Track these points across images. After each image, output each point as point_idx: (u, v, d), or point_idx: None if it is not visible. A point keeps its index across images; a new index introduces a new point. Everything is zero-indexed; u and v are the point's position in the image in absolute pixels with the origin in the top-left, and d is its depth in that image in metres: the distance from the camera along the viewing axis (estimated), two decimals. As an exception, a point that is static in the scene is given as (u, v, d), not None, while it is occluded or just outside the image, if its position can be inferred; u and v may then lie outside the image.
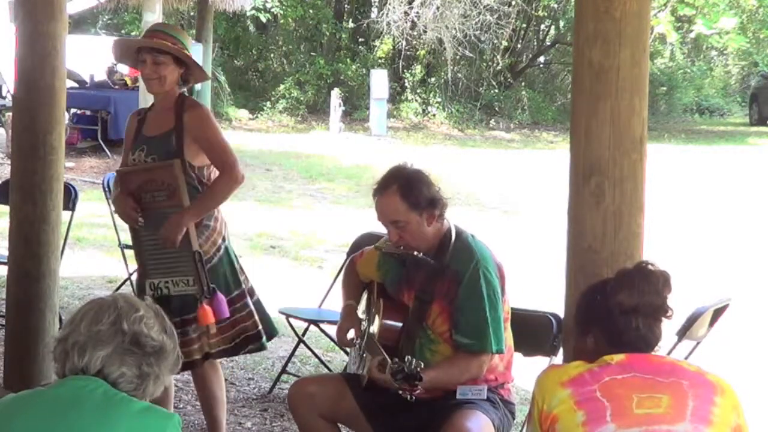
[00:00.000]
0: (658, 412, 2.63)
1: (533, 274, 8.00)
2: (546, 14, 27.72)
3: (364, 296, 4.20)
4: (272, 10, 22.53)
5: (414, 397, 3.49)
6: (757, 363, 6.66)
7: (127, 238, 4.97)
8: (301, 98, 23.45)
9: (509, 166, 17.18)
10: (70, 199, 5.85)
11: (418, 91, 24.41)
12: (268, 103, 23.11)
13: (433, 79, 24.71)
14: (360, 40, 26.06)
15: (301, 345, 5.82)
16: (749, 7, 22.93)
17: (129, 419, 2.41)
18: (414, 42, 23.43)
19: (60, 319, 5.06)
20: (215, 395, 4.60)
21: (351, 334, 4.01)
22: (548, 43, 28.96)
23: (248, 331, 4.52)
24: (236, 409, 5.41)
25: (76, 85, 14.81)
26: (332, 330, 5.02)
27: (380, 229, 4.05)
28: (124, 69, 14.43)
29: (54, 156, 4.98)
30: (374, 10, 26.22)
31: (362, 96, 23.06)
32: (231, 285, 4.52)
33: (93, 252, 8.91)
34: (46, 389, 2.51)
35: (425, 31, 22.44)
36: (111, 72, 15.04)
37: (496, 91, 25.46)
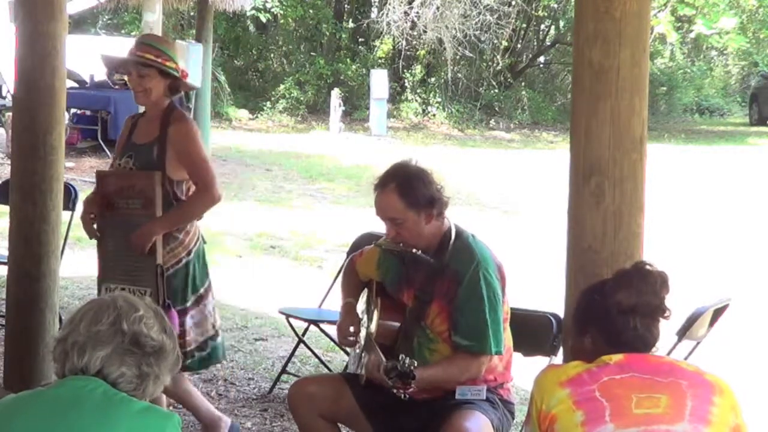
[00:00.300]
0: (657, 412, 2.63)
1: (533, 274, 8.00)
2: (546, 14, 27.72)
3: (364, 295, 4.20)
4: (272, 10, 22.53)
5: (407, 396, 3.49)
6: (757, 363, 6.66)
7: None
8: (301, 98, 23.46)
9: (509, 166, 17.18)
10: (70, 199, 5.85)
11: (418, 91, 24.42)
12: (268, 103, 23.11)
13: (433, 79, 24.71)
14: (360, 40, 26.06)
15: (301, 345, 5.82)
16: (749, 7, 22.93)
17: (129, 419, 2.41)
18: (414, 42, 23.42)
19: (60, 319, 5.06)
20: (191, 402, 4.61)
21: (351, 332, 4.00)
22: (548, 43, 28.96)
23: (184, 348, 4.47)
24: (236, 409, 5.41)
25: (76, 85, 14.81)
26: (332, 330, 5.03)
27: (380, 229, 4.06)
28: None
29: (54, 156, 4.98)
30: (374, 10, 26.22)
31: (362, 96, 23.06)
32: (179, 299, 4.50)
33: (93, 252, 8.84)
34: (46, 389, 2.51)
35: (425, 31, 22.44)
36: (111, 72, 15.03)
37: (496, 91, 25.46)
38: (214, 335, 4.60)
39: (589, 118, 3.33)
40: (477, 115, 24.22)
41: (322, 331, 5.73)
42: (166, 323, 2.56)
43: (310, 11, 24.85)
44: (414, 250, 3.80)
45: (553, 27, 29.02)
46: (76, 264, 8.07)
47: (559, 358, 3.92)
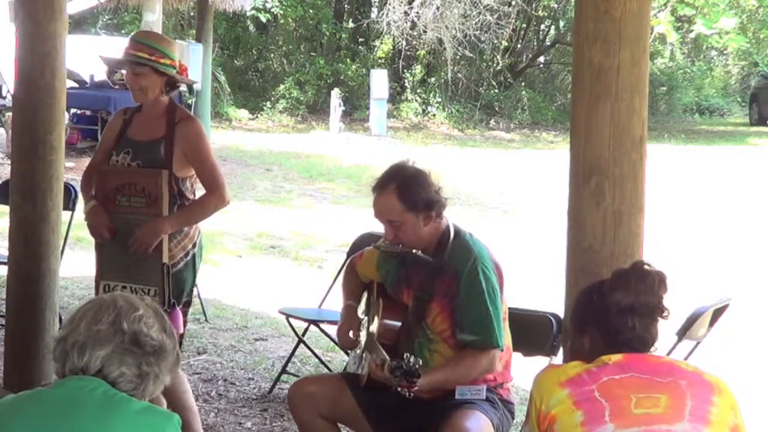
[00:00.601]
0: (657, 412, 2.63)
1: (533, 274, 8.00)
2: (546, 14, 27.72)
3: (364, 296, 4.20)
4: (272, 10, 22.52)
5: (412, 395, 3.49)
6: (757, 363, 6.66)
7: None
8: (301, 98, 23.46)
9: (509, 166, 17.18)
10: (70, 199, 5.84)
11: (418, 91, 24.41)
12: (268, 103, 23.11)
13: (433, 79, 24.71)
14: (360, 40, 26.06)
15: (301, 345, 5.82)
16: (749, 7, 22.92)
17: (129, 419, 2.41)
18: (414, 42, 23.43)
19: (60, 319, 5.07)
20: (181, 402, 4.54)
21: (351, 334, 4.00)
22: (548, 43, 28.96)
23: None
24: (236, 409, 5.41)
25: (76, 85, 14.81)
26: (332, 330, 5.03)
27: (380, 229, 4.06)
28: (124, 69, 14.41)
29: (54, 156, 4.98)
30: (374, 10, 26.23)
31: (362, 96, 23.06)
32: (189, 292, 4.53)
33: (93, 252, 8.90)
34: (46, 389, 2.51)
35: (425, 31, 22.44)
36: (111, 72, 15.02)
37: (496, 91, 25.46)
38: None
39: (589, 118, 3.33)
40: (477, 115, 24.21)
41: (322, 331, 5.73)
42: (165, 323, 2.56)
43: (310, 11, 24.85)
44: (414, 251, 3.81)
45: (553, 27, 29.02)
46: (76, 264, 8.06)
47: (558, 358, 3.92)
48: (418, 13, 22.24)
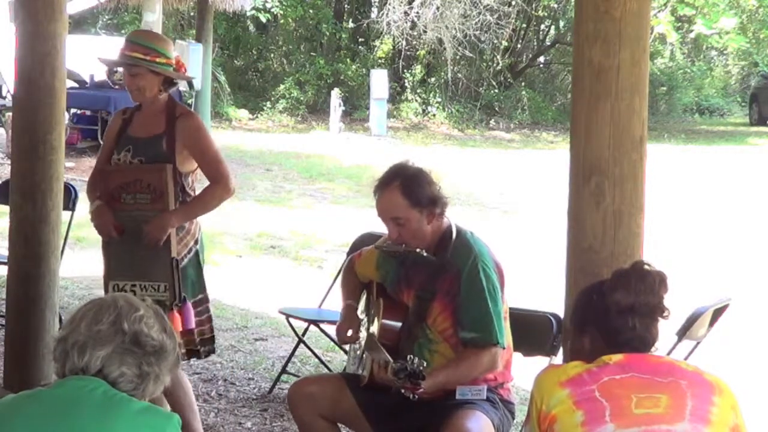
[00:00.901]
0: (657, 412, 2.63)
1: (533, 274, 8.00)
2: (546, 14, 27.72)
3: (364, 296, 4.20)
4: (272, 10, 22.52)
5: (416, 397, 3.49)
6: (757, 363, 6.66)
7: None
8: (301, 98, 23.45)
9: (509, 166, 17.18)
10: (70, 199, 5.85)
11: (418, 91, 24.41)
12: (268, 103, 23.11)
13: (433, 79, 24.71)
14: (360, 40, 26.06)
15: (301, 345, 5.82)
16: (749, 7, 22.92)
17: (129, 419, 2.41)
18: (414, 42, 23.42)
19: (60, 319, 5.07)
20: (181, 401, 4.53)
21: (350, 334, 4.00)
22: (548, 43, 28.95)
23: (204, 335, 4.52)
24: (236, 409, 5.41)
25: (76, 85, 14.81)
26: (332, 330, 5.02)
27: (380, 229, 4.06)
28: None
29: (54, 156, 4.99)
30: (374, 10, 26.22)
31: (362, 96, 23.05)
32: (196, 289, 4.52)
33: (93, 252, 8.88)
34: (46, 389, 2.51)
35: (425, 31, 22.43)
36: (111, 72, 15.03)
37: (496, 91, 25.46)
38: None
39: (589, 118, 3.33)
40: (477, 115, 24.21)
41: (322, 331, 5.73)
42: (166, 323, 2.57)
43: (310, 11, 24.84)
44: (418, 250, 3.80)
45: (553, 27, 29.01)
46: (76, 264, 8.07)
47: (559, 358, 3.92)
48: (418, 13, 22.23)
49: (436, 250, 3.82)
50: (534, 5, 25.31)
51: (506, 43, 24.79)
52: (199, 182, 4.62)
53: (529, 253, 9.36)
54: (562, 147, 17.13)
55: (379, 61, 25.06)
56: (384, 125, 20.37)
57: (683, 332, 4.38)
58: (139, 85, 4.43)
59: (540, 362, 3.97)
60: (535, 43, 28.91)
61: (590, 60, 3.32)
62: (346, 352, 4.86)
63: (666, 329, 2.94)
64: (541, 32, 29.05)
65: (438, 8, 22.03)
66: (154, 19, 15.29)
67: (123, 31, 22.57)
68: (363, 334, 4.04)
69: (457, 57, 23.65)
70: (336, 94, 20.50)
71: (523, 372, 4.04)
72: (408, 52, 24.49)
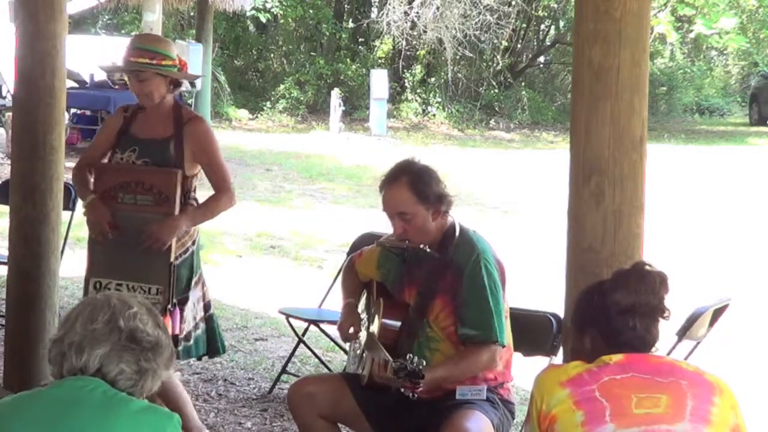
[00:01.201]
0: (658, 412, 2.63)
1: (533, 274, 8.01)
2: (546, 14, 27.72)
3: (364, 296, 4.20)
4: (272, 10, 22.52)
5: (416, 395, 3.49)
6: (757, 363, 6.66)
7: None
8: (301, 98, 23.46)
9: (509, 166, 17.18)
10: (70, 199, 5.84)
11: (418, 91, 24.41)
12: (268, 103, 23.11)
13: (433, 79, 24.71)
14: (360, 40, 26.06)
15: (301, 345, 5.82)
16: (749, 7, 22.92)
17: (129, 419, 2.42)
18: (414, 42, 23.42)
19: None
20: (175, 397, 4.47)
21: (352, 331, 4.00)
22: (548, 43, 28.96)
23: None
24: (236, 409, 5.41)
25: (76, 85, 14.81)
26: (332, 330, 5.02)
27: (380, 229, 4.06)
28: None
29: (54, 156, 4.99)
30: (374, 10, 26.23)
31: (362, 96, 23.05)
32: (182, 287, 4.50)
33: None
34: (45, 390, 2.50)
35: (425, 31, 22.43)
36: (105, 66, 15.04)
37: (496, 91, 25.46)
38: (195, 326, 4.61)
39: (589, 118, 3.34)
40: (477, 115, 24.21)
41: (322, 331, 5.73)
42: (158, 319, 2.57)
43: (310, 11, 24.84)
44: (421, 246, 3.80)
45: (553, 27, 29.01)
46: (76, 264, 8.04)
47: (559, 358, 3.92)
48: (418, 13, 22.24)
49: (439, 248, 3.82)
50: (534, 5, 25.31)
51: (506, 43, 24.79)
52: (199, 181, 4.62)
53: (529, 253, 9.36)
54: (562, 147, 17.13)
55: (379, 61, 25.06)
56: (384, 125, 20.38)
57: (683, 332, 4.38)
58: (148, 90, 4.41)
59: (540, 362, 3.97)
60: (535, 43, 28.91)
61: (590, 60, 3.32)
62: (346, 352, 4.87)
63: (666, 329, 2.94)
64: (541, 32, 29.06)
65: (438, 8, 22.03)
66: (154, 19, 15.28)
67: (123, 31, 22.58)
68: (363, 334, 4.04)
69: (457, 57, 23.65)
70: (336, 94, 20.50)
71: (523, 372, 4.04)
72: (408, 52, 24.49)
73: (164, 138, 4.43)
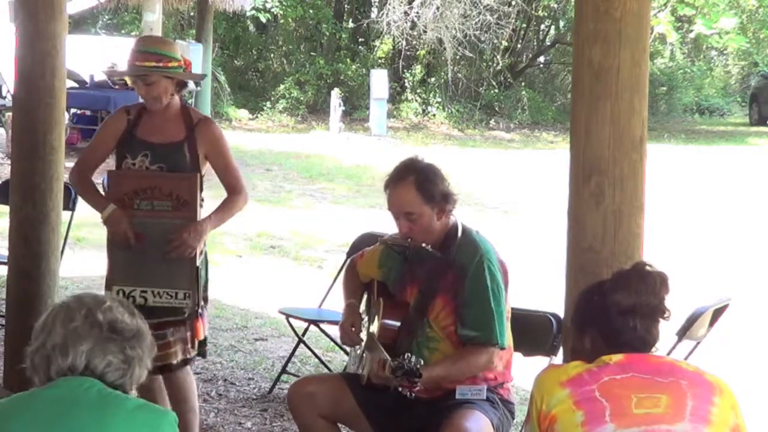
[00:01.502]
0: (658, 412, 2.63)
1: (533, 274, 8.01)
2: (546, 14, 27.72)
3: (365, 297, 4.20)
4: (272, 10, 22.52)
5: (413, 395, 3.50)
6: (757, 363, 6.66)
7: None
8: (301, 98, 23.46)
9: (509, 166, 17.18)
10: (70, 199, 5.84)
11: (418, 91, 24.42)
12: (268, 103, 23.11)
13: (433, 79, 24.71)
14: (360, 40, 26.07)
15: (301, 345, 5.82)
16: (749, 7, 22.92)
17: (126, 416, 2.42)
18: (414, 42, 23.42)
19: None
20: (190, 401, 4.53)
21: (353, 331, 4.00)
22: (548, 43, 28.96)
23: (199, 337, 4.50)
24: (236, 409, 5.41)
25: (76, 85, 14.81)
26: (332, 330, 5.03)
27: (380, 229, 4.05)
28: (124, 69, 14.42)
29: (54, 156, 4.99)
30: (374, 10, 26.22)
31: (362, 96, 23.05)
32: (204, 288, 4.50)
33: (93, 252, 8.90)
34: (42, 390, 2.50)
35: (425, 31, 22.43)
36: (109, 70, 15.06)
37: (496, 91, 25.46)
38: None
39: (589, 118, 3.34)
40: (477, 115, 24.21)
41: (322, 331, 5.73)
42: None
43: (310, 11, 24.84)
44: (423, 245, 3.80)
45: (553, 27, 29.02)
46: (76, 264, 8.07)
47: (559, 358, 3.92)
48: (418, 13, 22.24)
49: (441, 247, 3.82)
50: (534, 5, 25.31)
51: (506, 43, 24.79)
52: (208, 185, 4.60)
53: (529, 253, 9.36)
54: (562, 147, 17.12)
55: (379, 61, 25.06)
56: (384, 125, 20.38)
57: (683, 332, 4.38)
58: (156, 94, 4.35)
59: (540, 362, 3.97)
60: (535, 43, 28.91)
61: (590, 60, 3.32)
62: (346, 352, 4.86)
63: (666, 329, 2.94)
64: (541, 32, 29.06)
65: (438, 8, 22.03)
66: (154, 19, 15.30)
67: (123, 31, 22.60)
68: (364, 334, 4.04)
69: (457, 57, 23.65)
70: (336, 94, 20.50)
71: (523, 372, 4.04)
72: (408, 52, 24.49)
73: (177, 141, 4.37)
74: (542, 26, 28.95)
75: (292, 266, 9.34)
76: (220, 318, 7.10)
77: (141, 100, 4.51)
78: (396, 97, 23.86)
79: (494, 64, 25.41)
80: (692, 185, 15.15)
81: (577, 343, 2.92)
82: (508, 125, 24.13)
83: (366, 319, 4.11)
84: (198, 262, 4.36)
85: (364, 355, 3.90)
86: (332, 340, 5.71)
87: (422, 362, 3.49)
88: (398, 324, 3.91)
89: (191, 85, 5.37)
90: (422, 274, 3.87)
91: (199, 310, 4.37)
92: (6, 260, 5.22)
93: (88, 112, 14.98)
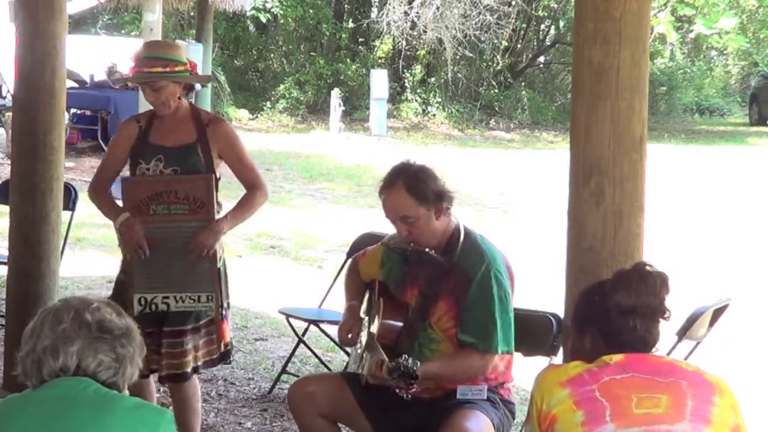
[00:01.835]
0: (658, 412, 2.63)
1: (533, 274, 8.00)
2: (546, 14, 27.73)
3: (366, 296, 4.19)
4: (272, 10, 22.52)
5: (410, 396, 3.50)
6: (757, 363, 6.66)
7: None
8: (301, 98, 23.46)
9: (509, 166, 17.18)
10: (70, 199, 5.84)
11: (418, 91, 24.41)
12: (268, 103, 23.11)
13: (433, 79, 24.71)
14: (360, 40, 26.06)
15: (301, 345, 5.82)
16: (749, 7, 22.92)
17: (123, 415, 2.43)
18: (414, 42, 23.42)
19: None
20: (193, 407, 4.53)
21: (352, 333, 4.00)
22: (548, 43, 28.96)
23: (228, 346, 4.50)
24: (236, 409, 5.41)
25: (76, 85, 14.81)
26: (332, 330, 5.02)
27: (380, 229, 4.05)
28: (124, 69, 14.45)
29: (54, 156, 4.99)
30: (374, 10, 26.22)
31: (362, 96, 23.05)
32: (227, 294, 4.50)
33: (93, 252, 8.92)
34: (39, 390, 2.51)
35: (425, 31, 22.44)
36: (111, 72, 15.05)
37: (496, 91, 25.46)
38: None
39: (589, 118, 3.34)
40: (477, 115, 24.21)
41: (322, 331, 5.73)
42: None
43: (310, 11, 24.84)
44: (427, 249, 3.80)
45: (553, 27, 29.02)
46: (76, 264, 8.07)
47: (559, 358, 3.92)
48: (418, 13, 22.24)
49: (443, 251, 3.81)
50: (534, 5, 25.31)
51: (506, 43, 24.79)
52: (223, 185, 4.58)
53: (529, 253, 9.35)
54: (562, 147, 17.12)
55: (379, 61, 25.06)
56: (384, 125, 20.38)
57: (683, 332, 4.38)
58: (164, 98, 4.32)
59: (540, 362, 3.97)
60: (535, 43, 28.92)
61: (590, 60, 3.32)
62: (346, 352, 4.87)
63: (666, 329, 2.94)
64: (541, 32, 29.06)
65: (438, 8, 22.03)
66: (154, 19, 15.27)
67: (123, 31, 22.60)
68: (364, 335, 4.04)
69: (457, 57, 23.65)
70: (336, 94, 20.50)
71: (523, 372, 4.04)
72: (408, 52, 24.50)
73: (190, 143, 4.35)
74: (542, 26, 28.94)
75: (292, 266, 9.34)
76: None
77: (143, 102, 4.50)
78: (396, 97, 23.86)
79: (494, 64, 25.41)
80: (692, 185, 15.15)
81: (577, 343, 2.92)
82: (508, 125, 24.13)
83: (366, 319, 4.11)
84: (219, 263, 4.34)
85: (364, 355, 3.90)
86: (332, 340, 5.71)
87: (419, 364, 3.49)
88: (400, 325, 3.91)
89: (198, 85, 5.36)
90: (423, 276, 3.86)
91: (224, 312, 4.35)
92: (6, 260, 5.22)
93: (88, 112, 14.96)
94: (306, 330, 5.85)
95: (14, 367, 4.83)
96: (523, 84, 26.78)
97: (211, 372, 5.91)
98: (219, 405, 5.44)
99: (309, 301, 6.26)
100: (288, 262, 9.52)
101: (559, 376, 2.76)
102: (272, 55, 26.23)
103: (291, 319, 5.75)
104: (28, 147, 4.98)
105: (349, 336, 3.99)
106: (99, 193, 4.49)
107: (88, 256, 8.77)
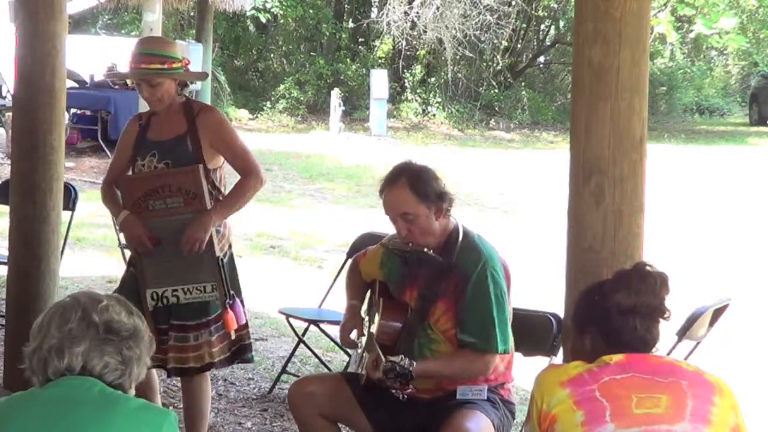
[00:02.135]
0: (658, 412, 2.63)
1: (533, 274, 8.01)
2: (546, 14, 27.73)
3: (367, 296, 4.19)
4: (272, 10, 22.53)
5: (405, 396, 3.50)
6: (757, 363, 6.66)
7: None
8: (301, 98, 23.46)
9: (509, 166, 17.18)
10: (70, 199, 5.84)
11: (418, 91, 24.42)
12: (268, 103, 23.12)
13: (433, 79, 24.71)
14: (360, 40, 26.07)
15: (301, 345, 5.82)
16: (749, 7, 22.92)
17: (127, 416, 2.42)
18: (414, 42, 23.42)
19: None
20: (201, 406, 4.54)
21: (354, 333, 4.00)
22: (548, 43, 28.97)
23: (243, 341, 4.52)
24: (236, 409, 5.41)
25: (76, 85, 14.81)
26: (332, 330, 5.02)
27: (380, 229, 4.05)
28: (124, 69, 14.41)
29: (54, 156, 4.99)
30: (374, 10, 26.22)
31: (362, 96, 23.06)
32: (237, 286, 4.50)
33: (93, 252, 8.92)
34: (42, 390, 2.51)
35: (425, 31, 22.44)
36: (109, 71, 15.04)
37: (496, 91, 25.47)
38: None
39: (589, 118, 3.34)
40: (477, 115, 24.21)
41: (322, 331, 5.73)
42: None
43: (310, 11, 24.84)
44: (425, 250, 3.80)
45: (553, 27, 29.02)
46: (76, 264, 8.07)
47: (559, 358, 3.92)
48: (418, 13, 22.24)
49: (442, 251, 3.81)
50: (534, 5, 25.31)
51: (506, 43, 24.79)
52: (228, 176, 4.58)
53: (529, 253, 9.36)
54: (562, 147, 17.13)
55: (379, 61, 25.06)
56: (384, 125, 20.38)
57: (683, 332, 4.38)
58: (160, 95, 4.34)
59: (540, 362, 3.97)
60: (535, 43, 28.92)
61: (590, 60, 3.32)
62: (346, 352, 4.87)
63: (666, 329, 2.94)
64: (541, 32, 29.06)
65: (438, 8, 22.03)
66: (154, 19, 15.28)
67: (123, 31, 22.60)
68: (365, 334, 4.04)
69: (457, 57, 23.65)
70: (336, 94, 20.50)
71: (523, 372, 4.04)
72: (408, 52, 24.50)
73: (179, 135, 4.36)
74: (542, 26, 28.95)
75: (292, 266, 9.33)
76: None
77: (143, 102, 4.51)
78: (396, 97, 23.86)
79: (494, 64, 25.41)
80: (692, 185, 15.15)
81: (577, 343, 2.92)
82: (508, 125, 24.13)
83: (367, 319, 4.11)
84: (218, 253, 4.33)
85: (364, 355, 3.90)
86: (332, 340, 5.71)
87: (414, 364, 3.50)
88: (399, 325, 3.91)
89: (192, 85, 5.37)
90: (422, 277, 3.86)
91: (228, 300, 4.35)
92: (6, 260, 5.22)
93: (88, 112, 14.96)
94: (306, 330, 5.85)
95: (14, 368, 4.84)
96: (523, 84, 26.78)
97: (211, 372, 5.90)
98: (219, 405, 5.44)
99: (309, 301, 6.26)
100: (288, 262, 9.52)
101: (559, 376, 2.77)
102: (272, 55, 26.24)
103: (291, 319, 5.75)
104: (28, 147, 4.98)
105: (352, 336, 3.98)
106: (105, 191, 4.53)
107: (88, 256, 8.77)
